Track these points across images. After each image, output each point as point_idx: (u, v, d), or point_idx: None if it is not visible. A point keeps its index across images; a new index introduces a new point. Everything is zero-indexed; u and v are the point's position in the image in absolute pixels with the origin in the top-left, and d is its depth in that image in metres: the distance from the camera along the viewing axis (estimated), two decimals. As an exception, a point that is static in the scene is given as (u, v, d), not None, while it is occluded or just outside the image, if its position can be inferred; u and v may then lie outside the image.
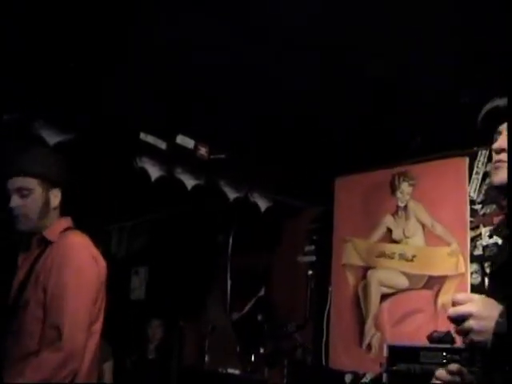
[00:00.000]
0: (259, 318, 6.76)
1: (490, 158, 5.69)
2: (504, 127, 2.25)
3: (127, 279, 8.56)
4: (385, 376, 5.40)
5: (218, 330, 7.06)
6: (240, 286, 7.18)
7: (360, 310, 6.36)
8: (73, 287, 3.00)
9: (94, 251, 3.24)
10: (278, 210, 6.74)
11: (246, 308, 6.96)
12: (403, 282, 6.10)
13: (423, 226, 6.05)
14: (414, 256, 6.06)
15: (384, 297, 6.22)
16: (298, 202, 6.84)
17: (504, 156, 2.20)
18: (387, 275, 6.22)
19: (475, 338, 1.87)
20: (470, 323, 1.87)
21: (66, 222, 3.33)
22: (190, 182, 5.88)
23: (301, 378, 6.24)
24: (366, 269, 6.38)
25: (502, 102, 2.27)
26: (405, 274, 6.10)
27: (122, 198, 6.79)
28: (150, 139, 5.34)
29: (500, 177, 2.21)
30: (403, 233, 6.18)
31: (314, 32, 4.13)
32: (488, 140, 2.37)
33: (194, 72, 4.69)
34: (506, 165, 2.18)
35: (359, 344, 6.31)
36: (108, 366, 5.22)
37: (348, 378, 6.12)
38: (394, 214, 6.27)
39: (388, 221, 6.30)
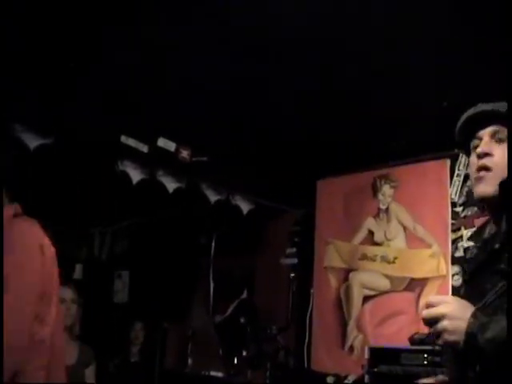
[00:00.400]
0: (242, 320, 6.75)
1: (471, 161, 5.71)
2: (485, 132, 2.25)
3: (110, 282, 8.54)
4: (366, 378, 5.41)
5: (201, 333, 7.05)
6: (223, 289, 7.17)
7: (342, 312, 6.37)
8: (13, 281, 2.83)
9: (41, 239, 3.06)
10: (260, 213, 6.75)
11: (229, 310, 6.95)
12: (385, 284, 6.11)
13: (405, 228, 6.07)
14: (395, 258, 6.08)
15: (366, 299, 6.24)
16: (280, 204, 6.85)
17: (488, 161, 2.19)
18: (369, 277, 6.23)
19: (448, 338, 1.91)
20: (444, 324, 1.90)
21: (13, 208, 3.16)
22: (171, 185, 5.87)
23: (283, 380, 6.23)
24: (348, 271, 6.39)
25: (486, 107, 2.28)
26: (387, 276, 6.11)
27: (104, 201, 6.77)
28: (131, 142, 5.33)
29: (481, 190, 2.22)
30: (385, 235, 6.19)
31: (295, 37, 4.13)
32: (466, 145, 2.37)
33: (176, 74, 4.67)
34: (489, 175, 2.18)
35: (341, 346, 6.31)
36: (90, 371, 5.19)
37: (330, 380, 6.12)
38: (376, 216, 6.29)
39: (370, 223, 6.31)
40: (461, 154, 5.79)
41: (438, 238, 5.82)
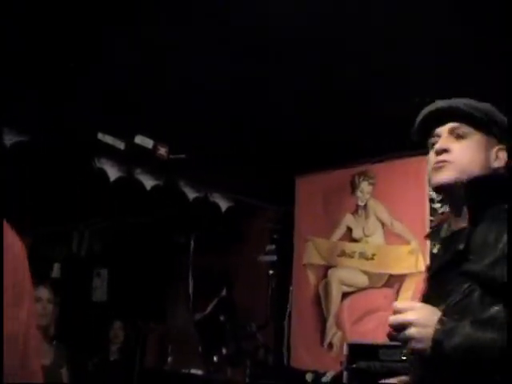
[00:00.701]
0: (221, 318, 6.75)
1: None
2: (443, 129, 2.23)
3: (89, 280, 8.49)
4: (345, 374, 5.42)
5: (181, 331, 7.04)
6: (202, 287, 7.16)
7: (321, 308, 6.38)
8: None
9: (9, 237, 3.00)
10: (239, 210, 6.74)
11: (208, 308, 6.94)
12: (363, 281, 6.12)
13: (383, 224, 6.08)
14: (374, 255, 6.09)
15: (345, 295, 6.24)
16: (259, 201, 6.84)
17: (446, 156, 2.17)
18: (348, 274, 6.24)
19: (416, 345, 1.88)
20: (411, 331, 1.88)
21: None
22: (149, 183, 5.85)
23: (263, 377, 6.24)
24: (327, 268, 6.40)
25: (443, 103, 2.26)
26: (365, 272, 6.12)
27: (82, 199, 6.73)
28: (108, 139, 5.30)
29: (440, 177, 2.19)
30: (363, 232, 6.20)
31: (273, 34, 4.13)
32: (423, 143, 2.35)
33: (154, 72, 4.66)
34: (450, 165, 2.16)
35: (320, 343, 6.32)
36: (65, 371, 5.15)
37: (309, 377, 6.13)
38: (354, 213, 6.30)
39: (348, 220, 6.32)
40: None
41: (416, 234, 5.83)
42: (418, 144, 5.41)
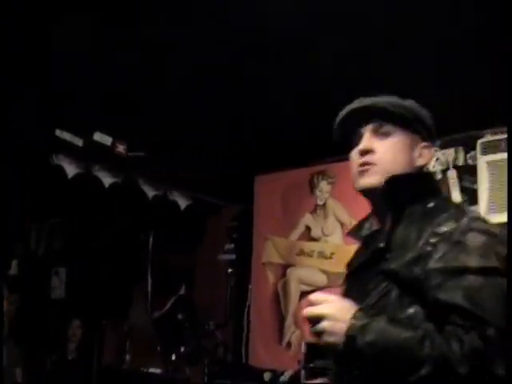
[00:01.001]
0: (180, 316, 6.72)
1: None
2: (366, 129, 2.16)
3: (47, 278, 8.42)
4: (302, 373, 5.44)
5: (139, 329, 7.00)
6: (161, 285, 7.13)
7: (280, 307, 6.38)
8: None
9: None
10: (199, 208, 6.73)
11: (167, 306, 6.92)
12: (322, 280, 6.14)
13: (342, 224, 6.11)
14: (332, 254, 6.11)
15: (303, 294, 6.24)
16: (218, 200, 6.84)
17: (370, 157, 2.12)
18: (306, 273, 6.26)
19: (328, 339, 1.83)
20: (324, 324, 1.83)
21: None
22: (107, 180, 5.81)
23: (221, 376, 6.23)
24: (286, 267, 6.41)
25: (366, 101, 2.18)
26: (324, 271, 6.14)
27: (39, 195, 6.67)
28: (66, 136, 5.26)
29: (364, 182, 2.13)
30: (322, 231, 6.22)
31: (228, 32, 4.12)
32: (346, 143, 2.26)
33: (113, 69, 4.63)
34: (374, 168, 2.11)
35: (279, 342, 6.33)
36: (20, 370, 5.11)
37: (267, 376, 6.13)
38: (313, 212, 6.31)
39: (307, 219, 6.34)
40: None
41: (374, 233, 5.85)
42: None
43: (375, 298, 1.95)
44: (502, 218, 5.13)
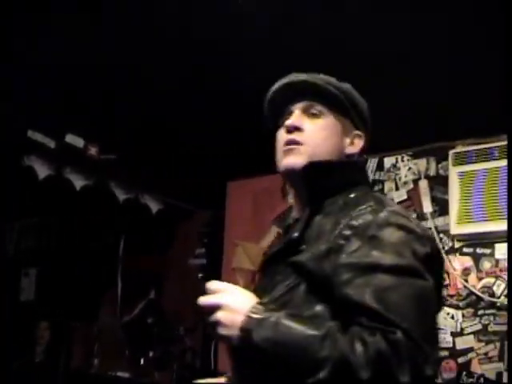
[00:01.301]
0: (149, 320, 6.70)
1: (379, 167, 5.81)
2: (296, 106, 2.07)
3: (17, 280, 8.37)
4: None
5: (108, 333, 6.97)
6: (131, 289, 7.10)
7: (249, 313, 6.36)
8: None
9: None
10: (170, 213, 6.71)
11: (136, 311, 6.88)
12: (292, 287, 6.13)
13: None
14: (303, 260, 6.10)
15: (273, 300, 6.24)
16: (190, 204, 6.83)
17: (297, 135, 2.02)
18: (276, 280, 6.24)
19: (222, 331, 1.71)
20: (218, 315, 1.72)
21: None
22: (78, 183, 5.78)
23: (190, 381, 6.21)
24: (256, 273, 6.39)
25: (297, 77, 2.10)
26: (294, 278, 6.13)
27: (10, 196, 6.62)
28: (38, 137, 5.22)
29: (288, 162, 2.04)
30: (293, 237, 6.21)
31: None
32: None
33: (85, 70, 4.61)
34: (300, 149, 2.02)
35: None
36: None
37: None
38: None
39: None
40: (369, 160, 5.87)
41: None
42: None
43: (281, 291, 1.85)
44: (473, 228, 5.17)
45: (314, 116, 2.05)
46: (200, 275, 6.72)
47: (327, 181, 1.99)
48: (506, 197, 4.88)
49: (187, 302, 6.79)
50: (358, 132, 2.12)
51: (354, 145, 2.10)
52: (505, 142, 5.04)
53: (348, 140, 2.09)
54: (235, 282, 5.92)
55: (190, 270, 6.96)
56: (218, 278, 6.62)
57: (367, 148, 2.16)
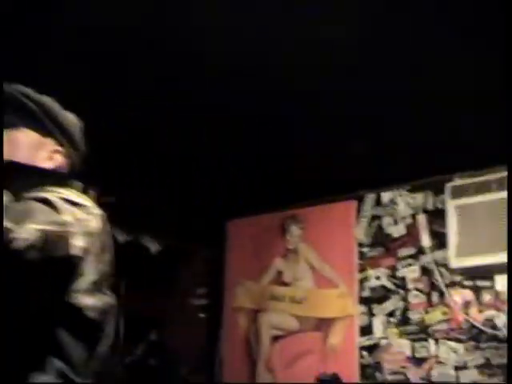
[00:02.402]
0: (151, 362, 6.66)
1: (377, 202, 5.84)
2: None
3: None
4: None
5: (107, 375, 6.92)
6: (130, 330, 7.06)
7: (251, 352, 6.35)
8: None
9: None
10: (170, 253, 6.70)
11: (138, 352, 6.84)
12: (293, 325, 6.13)
13: (313, 268, 6.12)
14: (303, 298, 6.11)
15: (275, 339, 6.23)
16: (190, 244, 6.82)
17: None
18: (278, 318, 6.24)
19: None
20: None
21: None
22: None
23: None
24: (257, 311, 6.39)
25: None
26: (295, 316, 6.14)
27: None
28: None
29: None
30: (293, 275, 6.23)
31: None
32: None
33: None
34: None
35: (251, 387, 6.28)
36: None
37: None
38: (285, 256, 6.32)
39: (278, 263, 6.34)
40: (366, 195, 5.91)
41: (345, 278, 5.89)
42: (349, 188, 5.51)
43: None
44: (471, 261, 5.19)
45: (7, 127, 1.98)
46: (202, 315, 6.70)
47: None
48: (504, 228, 4.91)
49: (190, 343, 6.78)
50: (58, 148, 2.09)
51: (53, 160, 2.08)
52: (501, 174, 5.09)
53: (45, 154, 2.06)
54: (236, 322, 5.94)
55: (191, 310, 6.93)
56: (220, 317, 6.62)
57: (78, 165, 2.22)
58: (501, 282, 5.18)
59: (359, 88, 4.19)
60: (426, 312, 5.48)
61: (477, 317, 5.25)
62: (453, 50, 3.73)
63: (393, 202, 5.83)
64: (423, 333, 5.46)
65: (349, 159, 5.20)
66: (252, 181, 5.73)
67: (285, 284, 6.27)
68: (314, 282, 6.09)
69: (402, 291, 5.64)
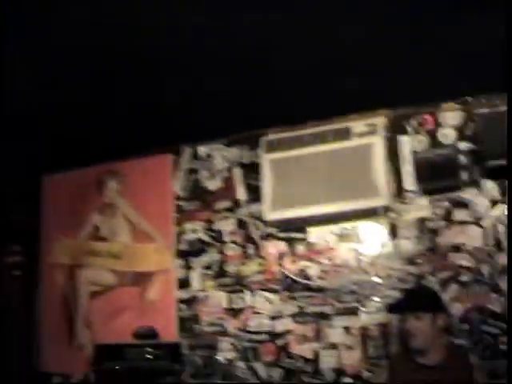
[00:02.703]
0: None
1: (194, 155, 5.87)
2: None
3: None
4: (92, 375, 5.39)
5: None
6: None
7: (69, 309, 6.26)
8: None
9: None
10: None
11: None
12: (111, 280, 6.09)
13: (130, 223, 6.09)
14: (121, 253, 6.08)
15: (93, 295, 6.17)
16: (4, 200, 6.59)
17: None
18: (96, 273, 6.18)
19: None
20: None
21: None
22: None
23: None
24: (75, 267, 6.29)
25: None
26: (113, 271, 6.10)
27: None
28: None
29: None
30: (111, 230, 6.17)
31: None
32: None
33: None
34: None
35: (70, 344, 6.20)
36: None
37: (56, 379, 6.05)
38: (102, 211, 6.24)
39: (95, 219, 6.26)
40: (183, 148, 5.93)
41: (162, 232, 5.91)
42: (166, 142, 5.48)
43: None
44: (285, 214, 5.32)
45: None
46: (16, 273, 6.53)
47: None
48: (318, 182, 5.08)
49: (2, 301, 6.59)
50: None
51: None
52: (314, 130, 5.25)
53: None
54: (53, 278, 5.80)
55: (5, 268, 6.73)
56: (36, 275, 6.47)
57: None
58: (313, 234, 5.35)
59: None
60: (242, 264, 5.59)
61: (290, 268, 5.40)
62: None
63: (209, 155, 5.87)
64: (239, 284, 5.57)
65: (167, 113, 5.16)
66: (68, 135, 5.58)
67: (102, 239, 6.20)
68: (132, 237, 6.06)
69: (218, 244, 5.72)
